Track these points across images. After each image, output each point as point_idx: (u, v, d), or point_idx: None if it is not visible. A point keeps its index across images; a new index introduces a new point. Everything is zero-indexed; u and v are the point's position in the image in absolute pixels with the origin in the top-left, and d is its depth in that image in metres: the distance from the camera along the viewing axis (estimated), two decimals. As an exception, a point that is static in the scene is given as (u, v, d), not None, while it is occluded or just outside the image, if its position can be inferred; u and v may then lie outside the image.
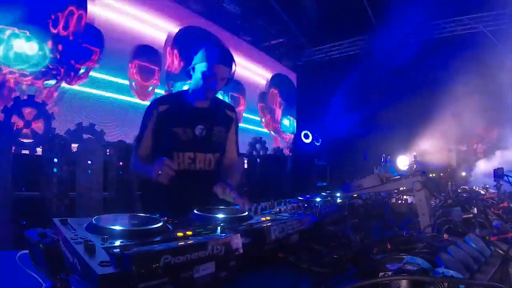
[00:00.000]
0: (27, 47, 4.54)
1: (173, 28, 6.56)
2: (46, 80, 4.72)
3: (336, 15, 7.62)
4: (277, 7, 7.81)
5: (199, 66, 1.76)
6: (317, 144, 9.04)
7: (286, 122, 10.13)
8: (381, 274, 0.68)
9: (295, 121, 10.47)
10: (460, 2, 7.12)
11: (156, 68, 6.20)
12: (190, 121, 1.82)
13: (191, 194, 1.73)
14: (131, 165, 1.88)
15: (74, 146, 4.09)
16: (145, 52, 6.02)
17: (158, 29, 6.31)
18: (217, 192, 1.57)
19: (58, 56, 4.83)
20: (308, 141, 9.05)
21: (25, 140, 3.88)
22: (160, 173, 1.46)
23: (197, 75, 1.78)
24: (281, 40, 9.07)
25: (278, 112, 9.89)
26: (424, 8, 7.30)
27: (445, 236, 1.05)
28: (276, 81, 9.80)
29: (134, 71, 5.87)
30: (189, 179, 1.79)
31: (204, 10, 7.07)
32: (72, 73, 5.05)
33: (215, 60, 1.75)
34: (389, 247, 1.05)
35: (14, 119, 3.88)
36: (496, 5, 6.98)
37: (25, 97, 4.16)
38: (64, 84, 4.95)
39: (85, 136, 4.27)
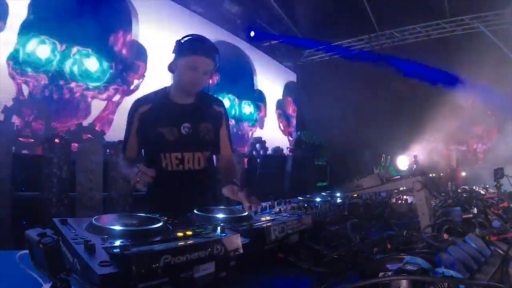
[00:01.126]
0: (90, 63, 5.06)
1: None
2: (109, 93, 5.23)
3: (336, 15, 7.62)
4: (277, 7, 7.81)
5: (182, 60, 1.65)
6: (317, 144, 9.04)
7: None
8: (381, 274, 0.68)
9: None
10: (460, 2, 7.13)
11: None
12: (175, 120, 1.72)
13: (181, 195, 1.69)
14: (119, 169, 1.86)
15: (74, 146, 4.09)
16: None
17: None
18: (227, 193, 1.53)
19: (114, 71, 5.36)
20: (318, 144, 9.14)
21: (25, 140, 3.89)
22: (138, 181, 1.38)
23: (179, 69, 1.67)
24: (281, 40, 9.07)
25: (293, 118, 10.52)
26: (424, 8, 7.31)
27: (445, 236, 1.04)
28: (289, 89, 10.25)
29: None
30: (178, 180, 1.72)
31: (204, 10, 7.08)
32: (126, 87, 5.57)
33: (198, 53, 1.63)
34: (389, 247, 1.05)
35: (14, 119, 3.88)
36: (496, 5, 6.98)
37: (25, 97, 4.16)
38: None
39: (85, 136, 4.27)
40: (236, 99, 8.38)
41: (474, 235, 0.87)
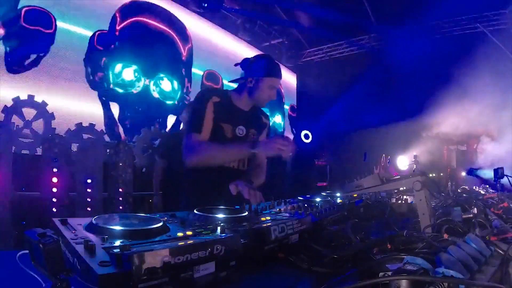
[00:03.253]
0: None
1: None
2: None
3: (336, 15, 7.62)
4: (277, 7, 7.81)
5: (265, 80, 1.92)
6: (307, 141, 9.03)
7: (277, 119, 9.57)
8: (381, 274, 0.68)
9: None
10: (460, 2, 7.12)
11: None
12: (233, 120, 1.94)
13: (223, 192, 1.76)
14: (193, 151, 1.83)
15: (74, 146, 4.09)
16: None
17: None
18: (231, 189, 1.66)
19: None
20: (308, 141, 9.02)
21: (25, 140, 3.88)
22: (284, 150, 1.52)
23: (260, 87, 1.93)
24: (281, 40, 9.06)
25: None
26: (424, 8, 7.31)
27: (445, 236, 1.04)
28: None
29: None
30: (224, 176, 1.84)
31: (204, 10, 7.07)
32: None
33: (278, 76, 1.96)
34: (389, 247, 1.05)
35: (14, 119, 3.88)
36: (496, 5, 6.98)
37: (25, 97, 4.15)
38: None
39: (85, 136, 4.26)
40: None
41: (474, 235, 0.87)
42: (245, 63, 1.98)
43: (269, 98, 1.98)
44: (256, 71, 1.93)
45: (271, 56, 2.04)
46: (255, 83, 1.93)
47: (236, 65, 2.08)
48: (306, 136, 9.02)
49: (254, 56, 2.03)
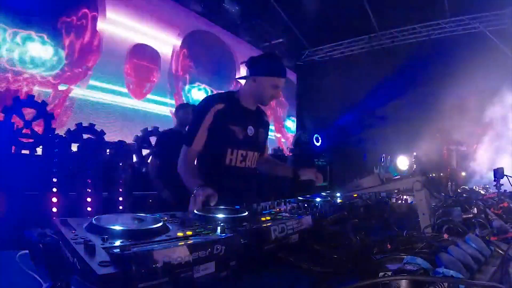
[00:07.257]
0: (43, 50, 4.72)
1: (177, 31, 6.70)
2: (60, 83, 4.98)
3: (336, 15, 7.62)
4: (277, 7, 7.81)
5: (267, 79, 1.88)
6: (317, 144, 9.04)
7: (289, 123, 10.08)
8: (381, 274, 0.68)
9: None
10: (460, 2, 7.12)
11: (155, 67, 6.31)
12: (243, 122, 1.95)
13: (240, 189, 1.84)
14: (179, 166, 1.86)
15: (74, 146, 4.09)
16: (143, 51, 6.06)
17: (162, 32, 6.40)
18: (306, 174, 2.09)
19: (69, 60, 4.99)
20: (318, 144, 9.04)
21: (25, 140, 3.88)
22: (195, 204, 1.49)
23: (263, 86, 1.90)
24: (281, 40, 9.05)
25: (281, 112, 9.77)
26: (424, 8, 7.31)
27: (445, 236, 1.05)
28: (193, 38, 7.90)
29: (130, 70, 5.87)
30: (239, 175, 1.93)
31: (204, 10, 7.07)
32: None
33: (283, 75, 1.92)
34: (389, 247, 1.05)
35: (14, 119, 3.88)
36: (496, 5, 6.98)
37: (25, 97, 4.16)
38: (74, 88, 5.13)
39: (85, 136, 4.27)
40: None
41: (474, 235, 0.87)
42: (250, 61, 1.93)
43: (272, 97, 1.94)
44: (258, 70, 1.90)
45: (276, 54, 1.99)
46: (258, 82, 1.90)
47: (241, 63, 2.03)
48: (317, 140, 9.05)
49: (259, 55, 1.99)
